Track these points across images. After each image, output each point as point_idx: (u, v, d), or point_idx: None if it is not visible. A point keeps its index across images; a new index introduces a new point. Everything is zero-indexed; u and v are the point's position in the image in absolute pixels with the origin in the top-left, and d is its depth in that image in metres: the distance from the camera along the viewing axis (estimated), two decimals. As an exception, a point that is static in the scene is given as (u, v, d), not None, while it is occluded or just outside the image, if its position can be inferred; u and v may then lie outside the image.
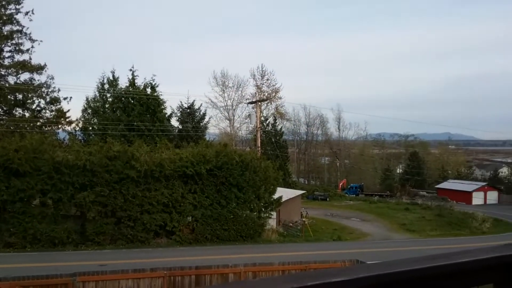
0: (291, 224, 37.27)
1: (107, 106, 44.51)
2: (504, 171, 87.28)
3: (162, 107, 44.55)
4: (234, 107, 67.62)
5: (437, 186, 73.63)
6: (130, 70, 44.49)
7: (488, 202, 67.40)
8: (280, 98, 69.09)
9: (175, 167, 28.11)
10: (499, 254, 1.41)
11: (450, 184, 72.33)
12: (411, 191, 70.64)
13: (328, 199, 61.34)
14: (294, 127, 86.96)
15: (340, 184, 75.81)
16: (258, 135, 43.70)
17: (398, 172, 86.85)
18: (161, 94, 44.87)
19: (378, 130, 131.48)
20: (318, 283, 0.90)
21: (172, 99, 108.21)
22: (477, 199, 66.82)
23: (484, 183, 73.06)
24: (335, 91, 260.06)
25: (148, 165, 27.48)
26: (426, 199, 60.87)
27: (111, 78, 44.66)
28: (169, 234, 28.22)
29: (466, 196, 66.36)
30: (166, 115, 45.78)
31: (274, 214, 33.50)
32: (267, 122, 67.80)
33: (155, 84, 44.90)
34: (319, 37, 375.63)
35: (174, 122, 49.19)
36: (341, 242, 34.03)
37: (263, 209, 31.65)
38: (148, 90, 44.53)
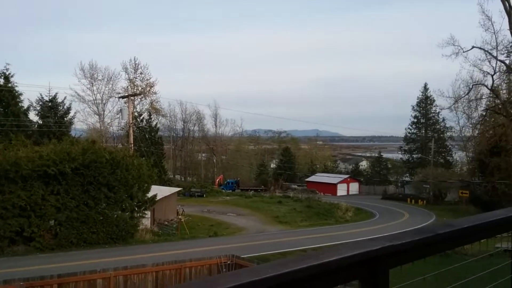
0: (166, 223, 36.30)
1: None
2: (363, 164, 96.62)
3: (18, 99, 39.96)
4: (104, 102, 63.60)
5: (307, 179, 78.48)
6: (-21, 57, 38.97)
7: (350, 192, 73.96)
8: (155, 93, 66.94)
9: (34, 166, 25.27)
10: (364, 250, 1.48)
11: (318, 177, 77.68)
12: (284, 185, 74.16)
13: (205, 195, 61.25)
14: (170, 123, 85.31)
15: (217, 180, 76.33)
16: (131, 131, 41.55)
17: (272, 167, 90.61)
18: (16, 86, 40.21)
19: (253, 126, 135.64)
20: None
21: (31, 92, 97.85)
22: (341, 190, 72.87)
23: (347, 176, 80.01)
24: (212, 88, 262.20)
25: (1, 165, 24.22)
26: (297, 192, 64.36)
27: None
28: (27, 240, 25.26)
29: (331, 188, 71.88)
30: (23, 109, 41.18)
31: (148, 213, 32.24)
32: (141, 117, 65.07)
33: (9, 74, 40.07)
34: (199, 32, 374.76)
35: (33, 116, 44.50)
36: (218, 237, 34.07)
37: (136, 209, 30.22)
38: (1, 81, 39.56)
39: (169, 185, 51.47)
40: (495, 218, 2.28)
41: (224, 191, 68.83)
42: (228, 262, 22.73)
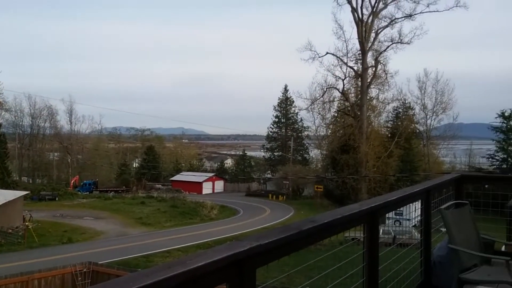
0: (10, 231, 32.21)
1: None
2: (228, 162, 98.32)
3: None
4: None
5: (172, 178, 76.81)
6: None
7: (216, 190, 74.47)
8: (-4, 83, 58.52)
9: None
10: (232, 252, 1.52)
11: (183, 176, 76.54)
12: (147, 185, 71.42)
13: (57, 199, 55.58)
14: (15, 118, 75.86)
15: (72, 182, 70.05)
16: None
17: (134, 166, 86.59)
18: None
19: (114, 123, 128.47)
20: None
21: None
22: (207, 188, 72.90)
23: (212, 174, 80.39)
24: (67, 81, 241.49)
25: None
26: (161, 191, 62.44)
27: None
28: None
29: (197, 187, 71.45)
30: None
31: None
32: (-21, 112, 56.37)
33: None
34: (48, 19, 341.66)
35: None
36: (73, 244, 31.51)
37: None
38: None
39: (14, 189, 46.10)
40: (351, 212, 2.59)
41: (80, 193, 63.39)
42: (85, 270, 20.81)
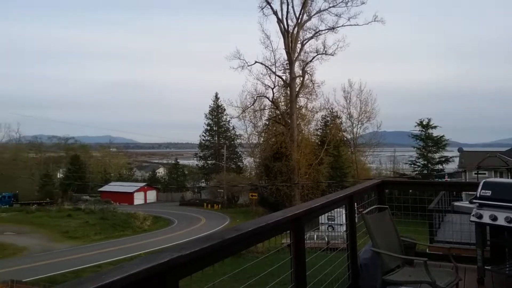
0: None
1: None
2: (160, 171, 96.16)
3: None
4: None
5: (100, 189, 73.71)
6: None
7: (148, 201, 72.47)
8: None
9: None
10: (151, 264, 1.47)
11: (112, 187, 73.73)
12: (74, 196, 67.86)
13: (-28, 214, 51.21)
14: None
15: (-11, 195, 64.94)
16: None
17: (58, 177, 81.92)
18: None
19: (34, 132, 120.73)
20: None
21: None
22: (138, 199, 70.75)
23: (144, 184, 78.15)
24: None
25: None
26: (89, 203, 59.61)
27: None
28: None
29: (128, 197, 69.15)
30: None
31: None
32: None
33: None
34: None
35: None
36: (-9, 262, 28.76)
37: None
38: None
39: None
40: (274, 220, 2.62)
41: (-1, 207, 58.94)
42: (7, 288, 19.54)
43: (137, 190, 72.61)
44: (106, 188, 73.56)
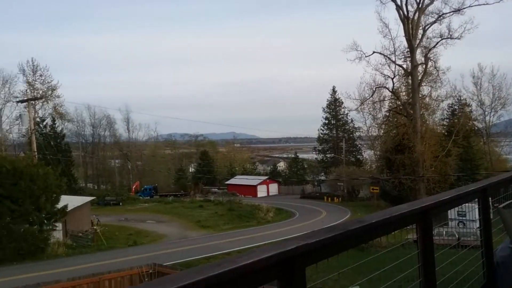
0: (80, 234, 34.15)
1: None
2: (281, 165, 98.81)
3: None
4: (0, 107, 58.32)
5: (227, 182, 78.35)
6: None
7: (270, 193, 75.05)
8: (59, 96, 62.37)
9: None
10: (279, 251, 1.53)
11: (237, 180, 77.84)
12: (204, 189, 73.34)
13: (121, 204, 58.47)
14: (78, 128, 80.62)
15: (133, 187, 73.36)
16: (33, 138, 38.45)
17: (190, 171, 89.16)
18: None
19: (169, 130, 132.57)
20: None
21: None
22: (261, 192, 73.65)
23: (266, 177, 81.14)
24: (122, 91, 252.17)
25: None
26: (218, 195, 63.93)
27: None
28: None
29: (252, 190, 72.39)
30: None
31: (59, 225, 29.98)
32: (45, 123, 60.29)
33: None
34: (103, 33, 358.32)
35: None
36: (138, 246, 32.86)
37: (45, 221, 27.90)
38: None
39: (81, 195, 48.73)
40: (400, 212, 2.52)
41: (141, 198, 66.32)
42: (150, 271, 21.83)
43: (260, 183, 75.60)
44: (232, 181, 77.94)
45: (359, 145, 78.84)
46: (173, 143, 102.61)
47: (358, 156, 77.86)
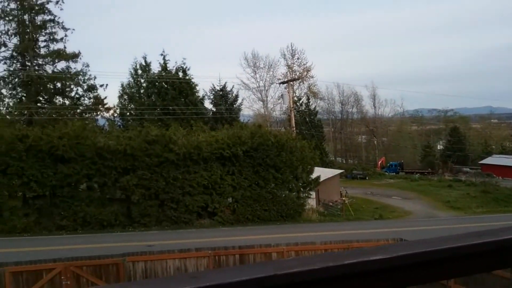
0: (331, 204, 37.00)
1: (142, 91, 45.24)
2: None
3: (195, 90, 44.92)
4: (266, 88, 67.12)
5: (481, 162, 70.86)
6: (161, 54, 44.99)
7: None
8: (312, 77, 67.89)
9: (212, 149, 28.16)
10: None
11: (494, 160, 69.41)
12: (454, 168, 68.45)
13: (367, 178, 60.37)
14: (328, 106, 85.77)
15: (379, 162, 74.35)
16: (292, 115, 43.24)
17: (438, 148, 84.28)
18: (192, 77, 45.24)
19: (415, 106, 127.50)
20: (356, 261, 0.84)
21: (203, 82, 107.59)
22: (526, 174, 63.97)
23: (531, 157, 69.82)
24: (368, 68, 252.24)
25: (186, 148, 27.67)
26: (470, 175, 58.84)
27: (143, 63, 45.31)
28: (211, 215, 28.50)
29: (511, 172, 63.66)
30: (199, 98, 46.13)
31: (313, 194, 33.26)
32: (300, 102, 66.98)
33: (186, 67, 45.26)
34: (348, 12, 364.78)
35: (207, 104, 49.47)
36: (383, 220, 33.51)
37: (301, 189, 31.44)
38: (180, 74, 44.92)
39: (331, 167, 51.97)
40: None
41: (387, 173, 66.78)
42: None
43: (524, 164, 65.47)
44: (487, 160, 70.06)
45: None
46: (420, 119, 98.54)
47: None
